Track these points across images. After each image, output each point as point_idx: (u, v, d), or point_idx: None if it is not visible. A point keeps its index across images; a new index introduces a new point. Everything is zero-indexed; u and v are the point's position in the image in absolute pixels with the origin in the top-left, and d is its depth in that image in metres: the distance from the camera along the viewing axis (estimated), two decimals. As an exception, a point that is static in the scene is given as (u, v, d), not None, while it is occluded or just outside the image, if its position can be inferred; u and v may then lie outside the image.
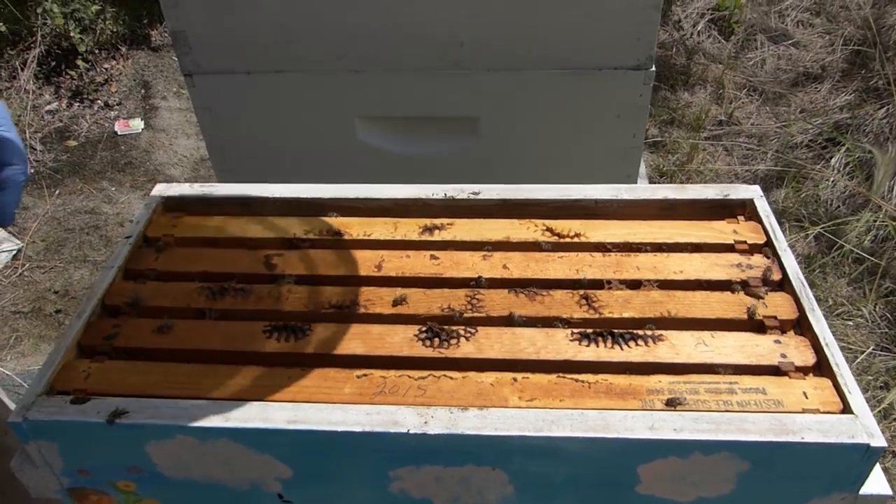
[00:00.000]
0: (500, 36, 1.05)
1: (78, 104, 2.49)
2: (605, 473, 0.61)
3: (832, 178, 2.42)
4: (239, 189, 0.86)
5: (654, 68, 1.05)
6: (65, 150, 2.34)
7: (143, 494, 0.68)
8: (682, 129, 2.69)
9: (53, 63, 2.52)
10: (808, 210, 2.31)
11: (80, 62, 2.52)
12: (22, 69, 2.46)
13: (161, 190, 0.87)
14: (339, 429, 0.59)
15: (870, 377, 1.80)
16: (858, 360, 1.83)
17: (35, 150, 2.31)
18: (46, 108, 2.44)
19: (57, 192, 2.20)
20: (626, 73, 1.06)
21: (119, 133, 2.40)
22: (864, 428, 0.58)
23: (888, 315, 2.02)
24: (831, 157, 2.48)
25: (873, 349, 1.86)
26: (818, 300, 2.02)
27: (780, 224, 2.30)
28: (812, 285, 2.08)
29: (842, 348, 1.90)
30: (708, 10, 3.24)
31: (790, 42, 3.14)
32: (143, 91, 2.59)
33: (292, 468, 0.63)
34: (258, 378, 0.65)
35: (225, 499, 0.67)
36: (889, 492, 0.62)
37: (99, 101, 2.51)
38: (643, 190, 0.84)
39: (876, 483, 0.62)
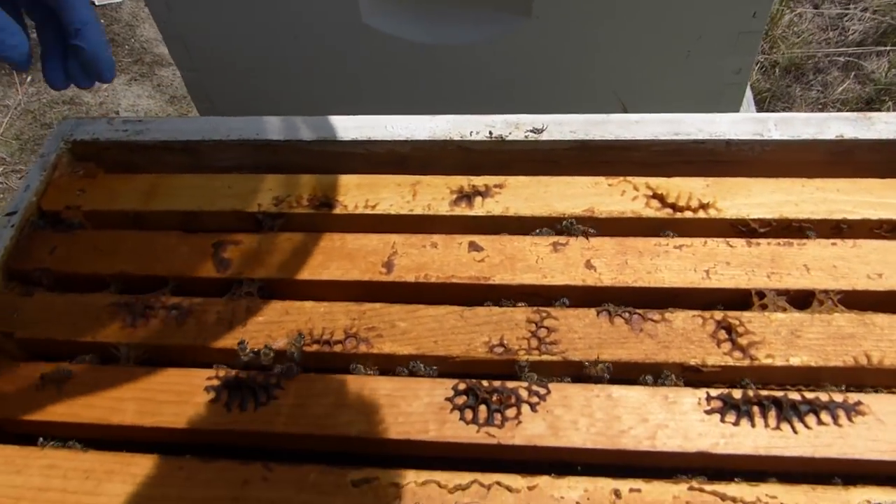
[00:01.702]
0: None
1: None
2: None
3: (947, 42, 2.00)
4: (180, 127, 0.57)
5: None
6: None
7: None
8: (762, -19, 2.24)
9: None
10: (919, 85, 1.91)
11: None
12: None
13: (66, 129, 0.58)
14: None
15: None
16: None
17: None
18: (10, -25, 2.08)
19: (29, 78, 1.89)
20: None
21: (97, 3, 2.05)
22: None
23: None
24: (948, 15, 2.04)
25: None
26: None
27: (881, 103, 1.93)
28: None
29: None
30: None
31: None
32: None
33: None
34: (193, 486, 0.40)
35: None
36: None
37: (71, -35, 2.13)
38: (802, 122, 0.53)
39: None
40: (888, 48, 1.98)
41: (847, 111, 1.92)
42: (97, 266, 0.50)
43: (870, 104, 1.93)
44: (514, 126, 0.55)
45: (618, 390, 0.42)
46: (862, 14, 2.15)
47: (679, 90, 0.88)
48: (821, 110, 1.91)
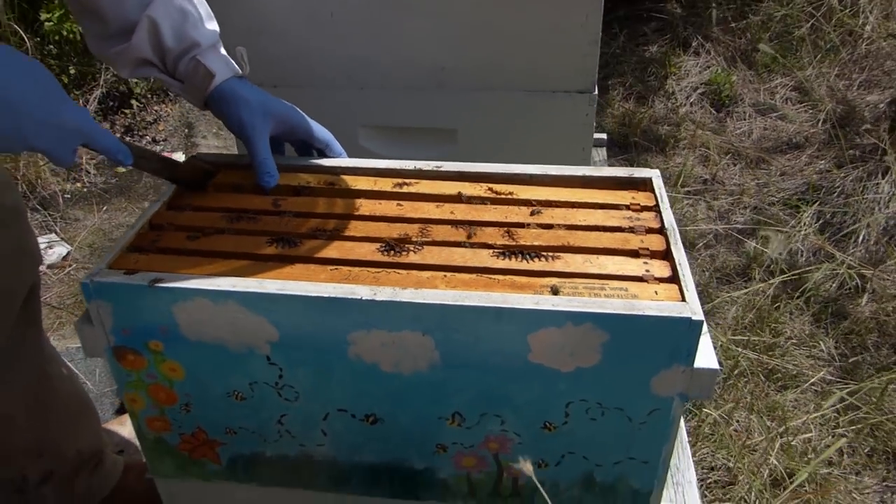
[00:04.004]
0: (474, 63, 1.33)
1: (129, 138, 2.82)
2: (504, 344, 0.83)
3: (803, 232, 2.64)
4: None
5: (596, 92, 1.31)
6: (114, 175, 2.66)
7: (167, 355, 0.91)
8: (668, 185, 2.94)
9: (112, 103, 2.88)
10: (780, 259, 2.50)
11: (134, 103, 2.87)
12: (85, 106, 2.81)
13: (200, 155, 1.14)
14: (313, 294, 0.83)
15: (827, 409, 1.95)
16: (811, 380, 1.99)
17: (90, 173, 2.63)
18: (102, 139, 2.78)
19: (105, 208, 2.50)
20: (574, 96, 1.32)
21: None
22: (690, 309, 0.80)
23: (847, 351, 2.19)
24: (803, 214, 2.70)
25: (826, 376, 2.03)
26: (781, 334, 2.21)
27: (750, 269, 2.51)
28: (777, 322, 2.26)
29: (798, 375, 2.07)
30: (701, 84, 3.54)
31: (777, 115, 3.41)
32: (186, 130, 2.93)
33: (279, 331, 0.86)
34: (260, 267, 0.89)
35: (227, 361, 0.90)
36: (716, 366, 0.83)
37: (147, 137, 2.84)
38: (568, 169, 1.08)
39: (706, 359, 0.83)
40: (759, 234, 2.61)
41: (720, 274, 2.49)
42: (215, 203, 1.03)
43: (745, 270, 2.52)
44: (427, 164, 1.10)
45: (454, 248, 0.92)
46: (743, 210, 2.82)
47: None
48: (705, 274, 2.49)
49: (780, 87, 3.59)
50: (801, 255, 2.58)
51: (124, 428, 1.71)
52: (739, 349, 2.10)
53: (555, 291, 0.84)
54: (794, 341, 2.19)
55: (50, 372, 1.31)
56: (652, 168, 1.07)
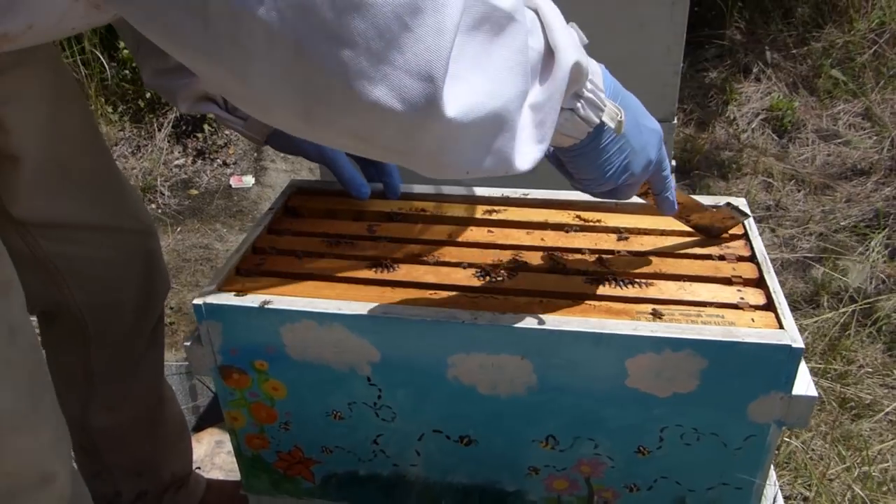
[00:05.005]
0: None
1: (201, 161, 2.93)
2: (602, 368, 0.85)
3: (872, 259, 2.58)
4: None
5: (676, 121, 1.32)
6: (187, 197, 2.76)
7: (271, 374, 0.95)
8: (730, 210, 2.91)
9: (184, 127, 3.00)
10: (845, 286, 2.46)
11: (206, 127, 2.99)
12: (159, 130, 2.93)
13: (295, 182, 1.19)
14: (416, 317, 0.86)
15: (897, 430, 1.91)
16: (886, 409, 1.95)
17: (164, 195, 2.74)
18: (175, 163, 2.89)
19: (178, 229, 2.59)
20: (653, 124, 1.34)
21: (233, 186, 2.81)
22: (789, 336, 0.81)
23: (923, 381, 2.13)
24: (871, 241, 2.65)
25: (900, 405, 1.98)
26: (853, 363, 2.16)
27: (818, 296, 2.46)
28: (848, 350, 2.22)
29: (872, 404, 2.02)
30: (763, 110, 3.51)
31: (840, 141, 3.36)
32: (255, 154, 3.03)
33: (380, 352, 0.89)
34: (362, 290, 0.93)
35: (329, 381, 0.93)
36: (815, 394, 0.83)
37: (218, 160, 2.94)
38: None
39: (804, 386, 0.83)
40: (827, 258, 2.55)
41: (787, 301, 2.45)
42: (313, 228, 1.07)
43: (813, 297, 2.47)
44: (514, 191, 1.13)
45: (547, 274, 0.94)
46: (808, 237, 2.77)
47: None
48: (773, 299, 2.45)
49: (843, 114, 3.53)
50: (871, 283, 2.52)
51: (200, 446, 1.76)
52: (815, 377, 2.07)
53: (657, 315, 0.85)
54: (867, 370, 2.14)
55: (163, 395, 1.36)
56: (715, 194, 1.08)
